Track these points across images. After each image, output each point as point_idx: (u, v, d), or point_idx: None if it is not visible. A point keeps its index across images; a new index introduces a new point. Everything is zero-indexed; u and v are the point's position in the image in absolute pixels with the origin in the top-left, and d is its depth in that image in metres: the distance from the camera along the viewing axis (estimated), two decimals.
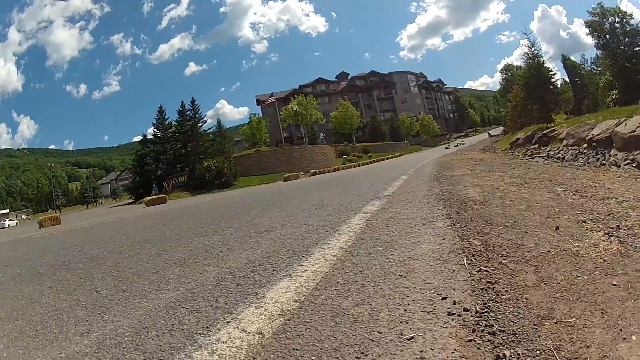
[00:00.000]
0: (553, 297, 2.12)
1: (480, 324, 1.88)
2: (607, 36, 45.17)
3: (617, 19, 45.17)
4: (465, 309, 2.02)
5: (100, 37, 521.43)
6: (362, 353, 1.69)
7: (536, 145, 18.86)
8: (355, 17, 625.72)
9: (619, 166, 9.06)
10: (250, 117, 77.75)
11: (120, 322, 2.42)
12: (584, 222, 3.59)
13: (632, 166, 8.59)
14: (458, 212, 4.53)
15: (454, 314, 1.98)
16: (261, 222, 5.94)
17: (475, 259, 2.79)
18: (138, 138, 56.78)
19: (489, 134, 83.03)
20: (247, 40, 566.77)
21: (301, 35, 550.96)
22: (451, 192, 6.41)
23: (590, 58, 59.93)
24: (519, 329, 1.83)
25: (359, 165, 48.36)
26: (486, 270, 2.55)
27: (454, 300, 2.13)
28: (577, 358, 1.60)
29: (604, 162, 10.18)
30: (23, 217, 73.42)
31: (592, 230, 3.31)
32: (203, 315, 2.32)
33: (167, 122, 55.84)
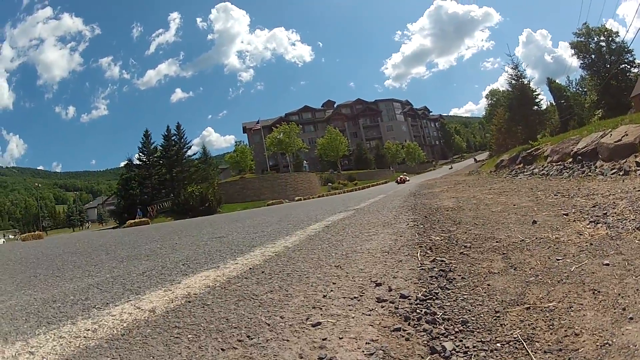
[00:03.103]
0: (525, 282, 1.77)
1: (419, 311, 1.55)
2: (593, 56, 45.90)
3: (602, 38, 45.99)
4: (403, 296, 1.70)
5: (90, 59, 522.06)
6: (248, 336, 1.47)
7: (521, 165, 18.74)
8: (340, 47, 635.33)
9: (605, 175, 8.83)
10: (235, 145, 77.71)
11: (36, 296, 2.62)
12: (566, 215, 3.33)
13: (619, 174, 8.35)
14: (426, 217, 4.19)
15: (385, 301, 1.68)
16: (220, 231, 5.84)
17: (431, 251, 2.44)
18: (125, 163, 56.16)
19: (475, 159, 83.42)
20: (233, 68, 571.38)
21: (287, 64, 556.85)
22: (425, 203, 6.07)
23: (575, 79, 61.07)
24: (472, 318, 1.47)
25: (344, 192, 48.21)
26: (442, 261, 2.21)
27: (390, 287, 1.82)
28: (561, 349, 1.18)
29: (590, 173, 9.93)
30: (10, 236, 72.37)
31: (575, 220, 3.05)
32: (110, 295, 2.39)
33: (152, 147, 55.33)
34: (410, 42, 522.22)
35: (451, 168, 76.88)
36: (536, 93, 30.59)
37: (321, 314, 1.61)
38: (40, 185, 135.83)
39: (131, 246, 5.52)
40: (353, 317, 1.55)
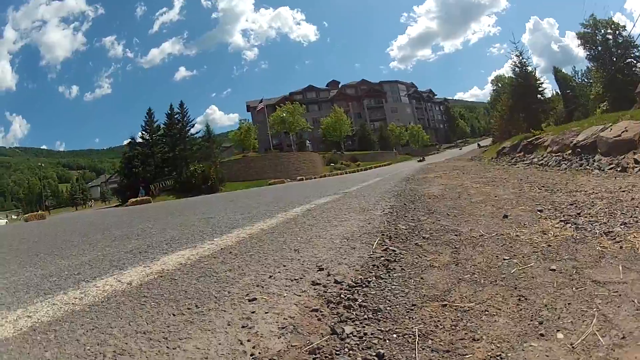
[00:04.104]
0: (458, 279, 1.83)
1: (342, 297, 1.70)
2: (599, 48, 45.18)
3: (609, 31, 45.26)
4: (336, 282, 1.86)
5: (93, 39, 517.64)
6: (196, 306, 1.76)
7: (521, 153, 18.60)
8: (346, 27, 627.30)
9: (603, 170, 8.80)
10: (240, 123, 77.42)
11: (36, 272, 2.95)
12: (540, 211, 3.29)
13: (616, 170, 8.34)
14: (405, 204, 4.26)
15: (318, 284, 1.85)
16: (212, 211, 6.02)
17: (389, 240, 2.53)
18: (128, 141, 55.97)
19: (479, 145, 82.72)
20: (237, 47, 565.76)
21: (292, 43, 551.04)
22: (413, 189, 6.12)
23: (581, 70, 60.28)
24: (387, 308, 1.57)
25: (346, 173, 48.13)
26: (393, 250, 2.30)
27: (329, 273, 1.98)
28: (449, 351, 1.24)
29: (587, 167, 9.86)
30: (13, 216, 72.72)
31: (546, 218, 3.00)
32: (99, 270, 2.70)
33: (155, 125, 55.20)
34: (416, 24, 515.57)
35: (460, 150, 76.74)
36: (540, 82, 30.16)
37: (260, 292, 1.82)
38: (43, 164, 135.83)
39: (127, 225, 6.02)
40: (285, 297, 1.74)
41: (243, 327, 1.49)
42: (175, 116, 55.67)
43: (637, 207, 2.96)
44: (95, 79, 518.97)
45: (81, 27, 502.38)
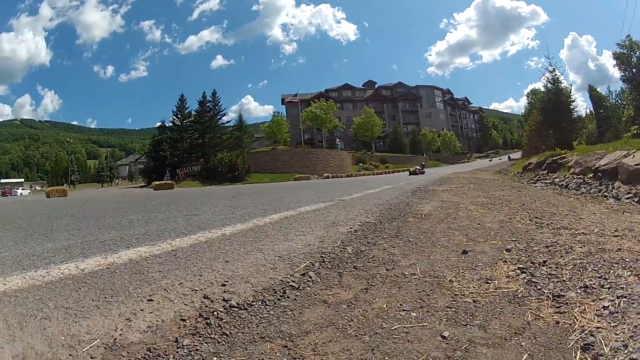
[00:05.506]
0: (331, 323, 1.79)
1: (215, 314, 1.90)
2: (634, 70, 43.83)
3: None
4: (224, 299, 2.04)
5: (132, 22, 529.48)
6: (111, 296, 2.08)
7: (545, 172, 18.20)
8: (386, 29, 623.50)
9: (619, 199, 8.43)
10: (273, 115, 77.94)
11: (25, 251, 3.39)
12: (508, 251, 2.92)
13: (633, 200, 7.95)
14: (380, 222, 4.22)
15: (208, 299, 2.04)
16: (202, 208, 6.30)
17: (319, 264, 2.54)
18: (160, 123, 57.04)
19: (509, 157, 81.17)
20: (276, 40, 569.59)
21: (331, 41, 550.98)
22: (409, 204, 6.05)
23: (615, 91, 58.57)
24: (237, 334, 1.76)
25: (373, 174, 47.89)
26: (309, 276, 2.33)
27: (227, 290, 2.15)
28: None
29: (606, 193, 9.51)
30: (37, 187, 75.04)
31: (506, 261, 2.63)
32: (69, 255, 3.09)
33: (187, 112, 56.10)
34: (455, 31, 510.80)
35: (490, 160, 75.73)
36: (571, 100, 29.26)
37: (161, 295, 2.08)
38: (71, 140, 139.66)
39: (122, 213, 6.70)
40: (174, 303, 1.99)
41: (126, 319, 1.81)
42: (208, 104, 56.52)
43: (615, 264, 2.47)
44: (132, 61, 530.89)
45: (119, 9, 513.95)
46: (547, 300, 1.98)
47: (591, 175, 12.01)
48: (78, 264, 2.74)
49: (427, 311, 1.86)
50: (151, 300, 2.00)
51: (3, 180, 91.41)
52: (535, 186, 13.82)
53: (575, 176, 13.45)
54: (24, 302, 2.00)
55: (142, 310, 1.87)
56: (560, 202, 6.88)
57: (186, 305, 1.96)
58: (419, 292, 2.11)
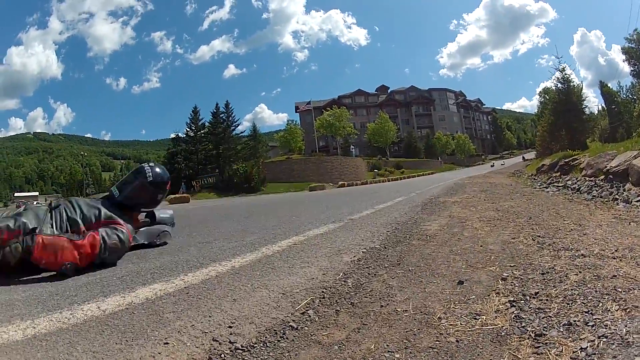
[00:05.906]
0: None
1: (222, 356, 2.01)
2: None
3: None
4: (230, 341, 2.14)
5: (142, 34, 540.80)
6: (132, 338, 2.16)
7: (558, 174, 18.02)
8: (397, 32, 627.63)
9: (630, 202, 8.36)
10: (287, 124, 78.49)
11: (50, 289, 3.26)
12: (504, 280, 2.85)
13: None
14: (385, 248, 4.32)
15: (216, 341, 2.14)
16: (214, 234, 6.24)
17: (319, 302, 2.67)
18: (174, 135, 57.71)
19: (523, 158, 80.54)
20: (287, 48, 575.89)
21: (342, 47, 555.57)
22: (416, 221, 6.16)
23: (626, 86, 57.92)
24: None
25: (389, 181, 47.79)
26: (308, 315, 2.45)
27: (233, 331, 2.25)
28: None
29: (617, 197, 9.36)
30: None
31: (499, 293, 2.58)
32: (97, 292, 3.07)
33: (200, 123, 56.71)
34: (465, 32, 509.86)
35: (503, 164, 74.91)
36: (582, 99, 28.97)
37: (175, 338, 2.15)
38: (85, 153, 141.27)
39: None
40: (187, 346, 2.07)
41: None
42: (221, 115, 57.18)
43: (607, 294, 2.37)
44: (144, 72, 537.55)
45: (130, 21, 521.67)
46: (528, 339, 1.94)
47: (602, 177, 11.87)
48: (99, 304, 2.71)
49: (411, 352, 1.91)
50: (167, 343, 2.06)
51: (17, 194, 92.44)
52: (547, 191, 13.72)
53: (587, 178, 13.28)
54: (55, 346, 2.04)
55: (159, 353, 1.98)
56: (568, 212, 6.86)
57: (197, 347, 2.04)
58: (406, 331, 2.14)
